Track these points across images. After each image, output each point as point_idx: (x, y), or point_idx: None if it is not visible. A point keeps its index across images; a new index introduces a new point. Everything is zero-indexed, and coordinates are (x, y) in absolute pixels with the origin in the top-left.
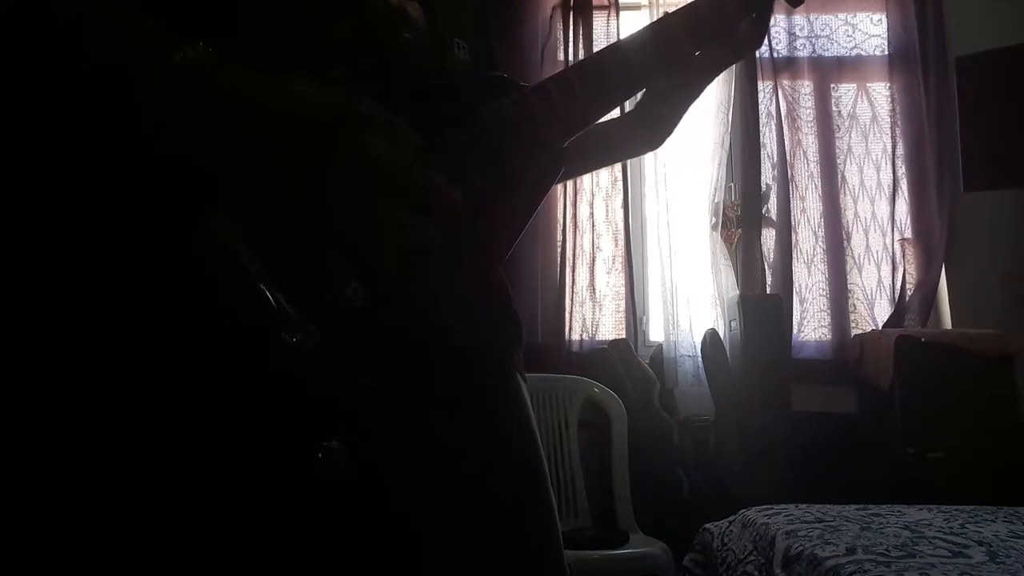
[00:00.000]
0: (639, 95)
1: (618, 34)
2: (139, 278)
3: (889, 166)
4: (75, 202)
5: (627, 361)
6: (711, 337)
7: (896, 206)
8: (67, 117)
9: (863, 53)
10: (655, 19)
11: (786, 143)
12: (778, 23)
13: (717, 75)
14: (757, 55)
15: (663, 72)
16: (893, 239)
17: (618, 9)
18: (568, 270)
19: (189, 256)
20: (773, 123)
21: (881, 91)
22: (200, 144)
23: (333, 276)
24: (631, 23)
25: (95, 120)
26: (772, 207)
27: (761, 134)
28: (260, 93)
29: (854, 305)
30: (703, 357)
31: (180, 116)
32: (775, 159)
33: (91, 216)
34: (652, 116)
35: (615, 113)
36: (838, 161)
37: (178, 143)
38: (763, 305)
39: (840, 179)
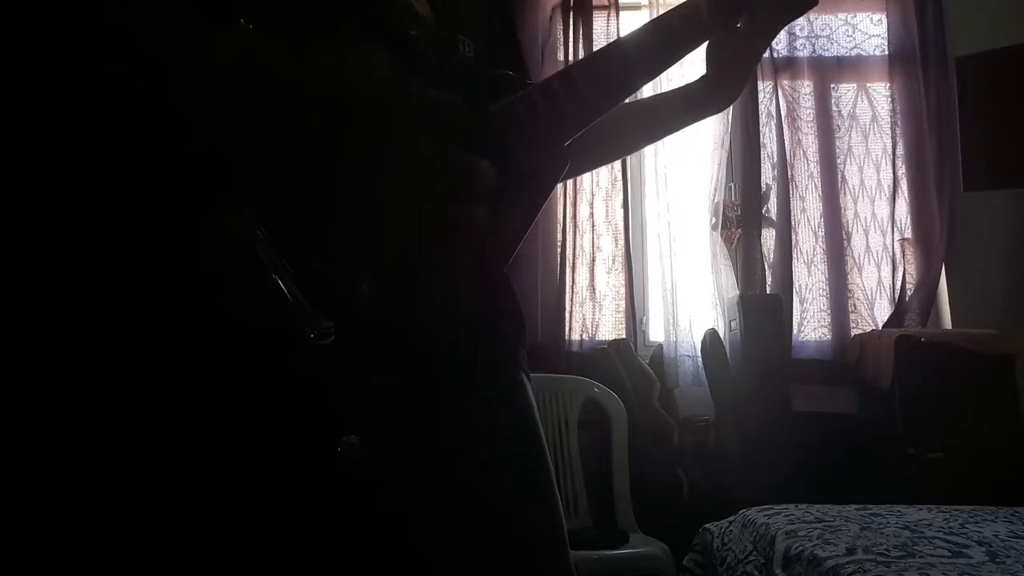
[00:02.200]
0: (704, 58)
1: (618, 34)
2: (155, 271)
3: (889, 166)
4: (93, 194)
5: (627, 361)
6: (711, 337)
7: (896, 206)
8: (90, 105)
9: (863, 53)
10: (657, 16)
11: (786, 143)
12: None
13: (779, 31)
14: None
15: (665, 67)
16: (893, 239)
17: (618, 9)
18: (568, 270)
19: (205, 249)
20: (773, 123)
21: (881, 91)
22: (222, 126)
23: (349, 270)
24: (631, 23)
25: (118, 109)
26: (772, 207)
27: (761, 134)
28: (291, 74)
29: (854, 305)
30: (703, 357)
31: (204, 106)
32: (775, 159)
33: (110, 209)
34: (721, 80)
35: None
36: (838, 161)
37: (199, 123)
38: (763, 305)
39: (840, 179)
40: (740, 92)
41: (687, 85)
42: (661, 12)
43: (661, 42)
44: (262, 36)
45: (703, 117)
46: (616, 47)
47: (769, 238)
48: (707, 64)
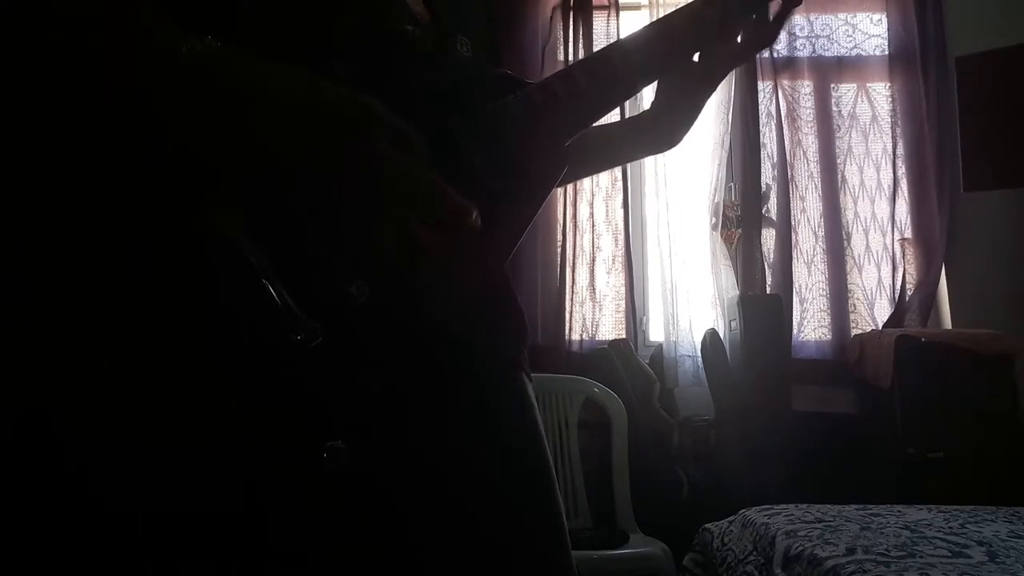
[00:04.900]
0: (652, 96)
1: (618, 34)
2: (141, 273)
3: (889, 166)
4: (77, 197)
5: (627, 361)
6: (711, 337)
7: (896, 206)
8: (71, 110)
9: (863, 53)
10: (658, 17)
11: (786, 143)
12: None
13: (729, 71)
14: (756, 55)
15: (667, 69)
16: (893, 239)
17: (618, 9)
18: (568, 270)
19: (192, 251)
20: (773, 123)
21: (881, 91)
22: (206, 137)
23: (338, 273)
24: (631, 23)
25: (100, 112)
26: (772, 207)
27: (761, 134)
28: (268, 87)
29: (854, 305)
30: (703, 357)
31: (187, 108)
32: (775, 159)
33: (93, 211)
34: (669, 115)
35: (615, 115)
36: (838, 161)
37: (184, 135)
38: (763, 305)
39: (840, 179)
40: (686, 131)
41: (634, 118)
42: (661, 12)
43: (665, 43)
44: (227, 50)
45: (648, 154)
46: (618, 47)
47: (769, 238)
48: (655, 100)
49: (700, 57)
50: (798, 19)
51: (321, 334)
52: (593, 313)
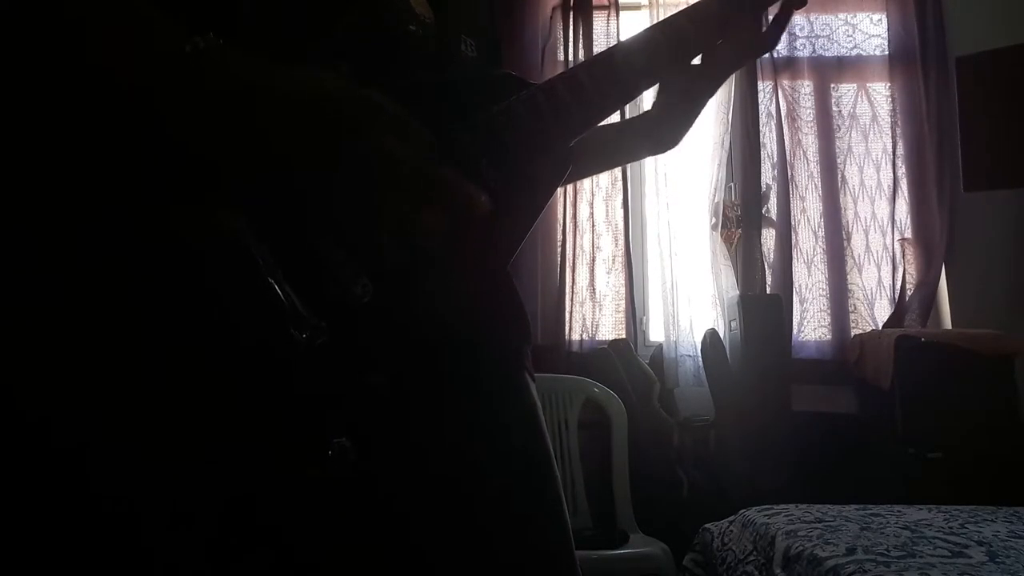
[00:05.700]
0: (653, 95)
1: (618, 34)
2: (144, 272)
3: (889, 166)
4: (79, 197)
5: (627, 361)
6: (711, 337)
7: (896, 206)
8: (72, 109)
9: (863, 53)
10: (663, 17)
11: (786, 143)
12: None
13: (732, 72)
14: (757, 58)
15: (671, 70)
16: (893, 239)
17: (618, 9)
18: (568, 270)
19: (198, 249)
20: (773, 123)
21: (881, 91)
22: (207, 135)
23: (342, 272)
24: (631, 23)
25: (101, 111)
26: (772, 207)
27: (761, 134)
28: (269, 85)
29: (854, 305)
30: (703, 357)
31: (188, 106)
32: (775, 159)
33: (95, 211)
34: (668, 116)
35: (617, 117)
36: (838, 161)
37: (185, 133)
38: (763, 305)
39: (840, 179)
40: (685, 133)
41: (633, 119)
42: (661, 12)
43: (668, 44)
44: (234, 48)
45: (647, 155)
46: (622, 48)
47: (769, 238)
48: (655, 102)
49: (701, 59)
50: (798, 19)
51: (326, 333)
52: (593, 313)
